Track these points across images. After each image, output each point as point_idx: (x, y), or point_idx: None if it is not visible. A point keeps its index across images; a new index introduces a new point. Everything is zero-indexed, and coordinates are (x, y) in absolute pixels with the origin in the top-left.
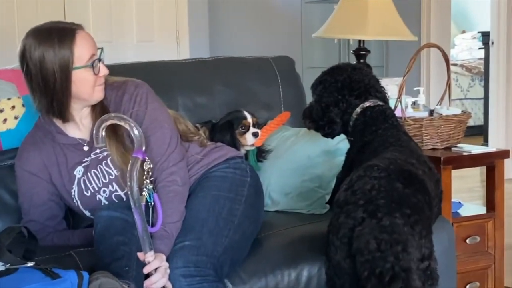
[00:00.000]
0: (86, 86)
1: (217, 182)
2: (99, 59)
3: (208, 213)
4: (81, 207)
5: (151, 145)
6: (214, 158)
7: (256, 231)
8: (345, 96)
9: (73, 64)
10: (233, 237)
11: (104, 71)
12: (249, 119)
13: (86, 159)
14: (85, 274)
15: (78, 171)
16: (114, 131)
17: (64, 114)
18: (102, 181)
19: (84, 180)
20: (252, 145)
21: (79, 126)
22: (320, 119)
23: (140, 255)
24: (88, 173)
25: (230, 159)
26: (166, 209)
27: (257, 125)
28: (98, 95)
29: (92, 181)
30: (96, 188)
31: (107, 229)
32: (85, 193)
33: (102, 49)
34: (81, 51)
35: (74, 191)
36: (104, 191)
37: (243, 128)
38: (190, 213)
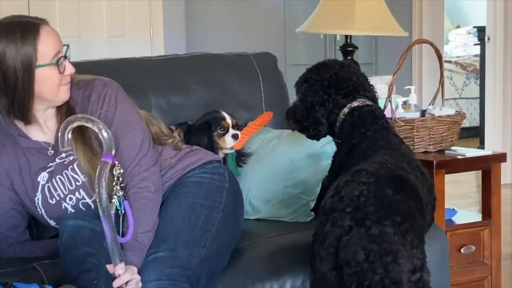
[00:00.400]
0: (50, 86)
1: (193, 188)
2: (65, 57)
3: (183, 222)
4: (45, 216)
5: (121, 148)
6: (189, 163)
7: (235, 241)
8: (332, 95)
9: (36, 62)
10: (210, 247)
11: (70, 69)
12: (228, 120)
13: (51, 164)
14: None
15: (42, 177)
16: (81, 134)
17: (26, 116)
18: (68, 187)
19: (48, 187)
20: (231, 148)
21: (43, 128)
22: (304, 120)
23: (109, 267)
24: (53, 179)
25: (207, 164)
26: (138, 218)
27: (236, 126)
28: (63, 95)
29: (58, 188)
30: (62, 196)
31: (74, 240)
32: (50, 201)
33: (68, 46)
34: (45, 48)
35: (38, 198)
36: (71, 199)
37: (221, 129)
38: (164, 222)
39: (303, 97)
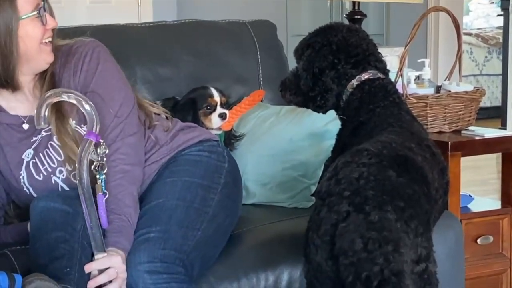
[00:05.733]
0: (34, 42)
1: (189, 166)
2: (44, 9)
3: (177, 202)
4: (34, 195)
5: (98, 110)
6: (185, 140)
7: (232, 225)
8: (341, 61)
9: (18, 14)
10: (206, 230)
11: (52, 22)
12: (216, 97)
13: (34, 139)
14: (18, 277)
15: (27, 154)
16: (58, 110)
17: (12, 80)
18: (56, 159)
19: (34, 163)
20: (219, 128)
21: (28, 98)
22: (310, 90)
23: (86, 267)
24: (40, 154)
25: (204, 141)
26: (116, 193)
27: (226, 105)
28: (47, 56)
29: (45, 162)
30: (50, 170)
31: (44, 223)
32: (37, 177)
33: (46, 1)
34: (24, 1)
35: (23, 177)
36: (61, 171)
37: (208, 107)
38: (157, 202)
39: (308, 65)
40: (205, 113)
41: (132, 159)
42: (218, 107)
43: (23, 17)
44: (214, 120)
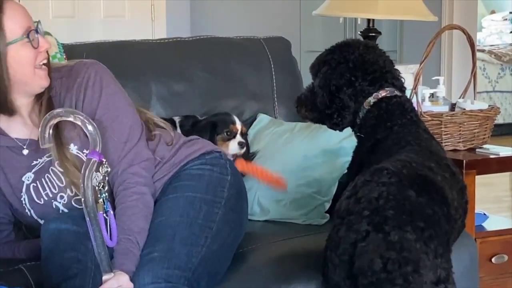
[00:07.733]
0: (25, 66)
1: (192, 181)
2: (37, 31)
3: (181, 218)
4: (35, 217)
5: (106, 138)
6: (187, 154)
7: (238, 240)
8: (358, 79)
9: (6, 39)
10: (211, 246)
11: (44, 44)
12: (238, 125)
13: (35, 162)
14: None
15: (27, 177)
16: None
17: (6, 106)
18: (57, 185)
19: (34, 187)
20: (234, 155)
21: (27, 122)
22: (326, 107)
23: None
24: (42, 179)
25: (206, 154)
26: (131, 215)
27: (245, 135)
28: (41, 80)
29: (46, 187)
30: (51, 195)
31: (56, 245)
32: (38, 201)
33: (39, 22)
34: (13, 24)
35: (24, 199)
36: (62, 197)
37: (228, 133)
38: (160, 219)
39: (324, 82)
40: (224, 138)
41: (149, 181)
42: (238, 135)
43: (11, 42)
44: (232, 147)
